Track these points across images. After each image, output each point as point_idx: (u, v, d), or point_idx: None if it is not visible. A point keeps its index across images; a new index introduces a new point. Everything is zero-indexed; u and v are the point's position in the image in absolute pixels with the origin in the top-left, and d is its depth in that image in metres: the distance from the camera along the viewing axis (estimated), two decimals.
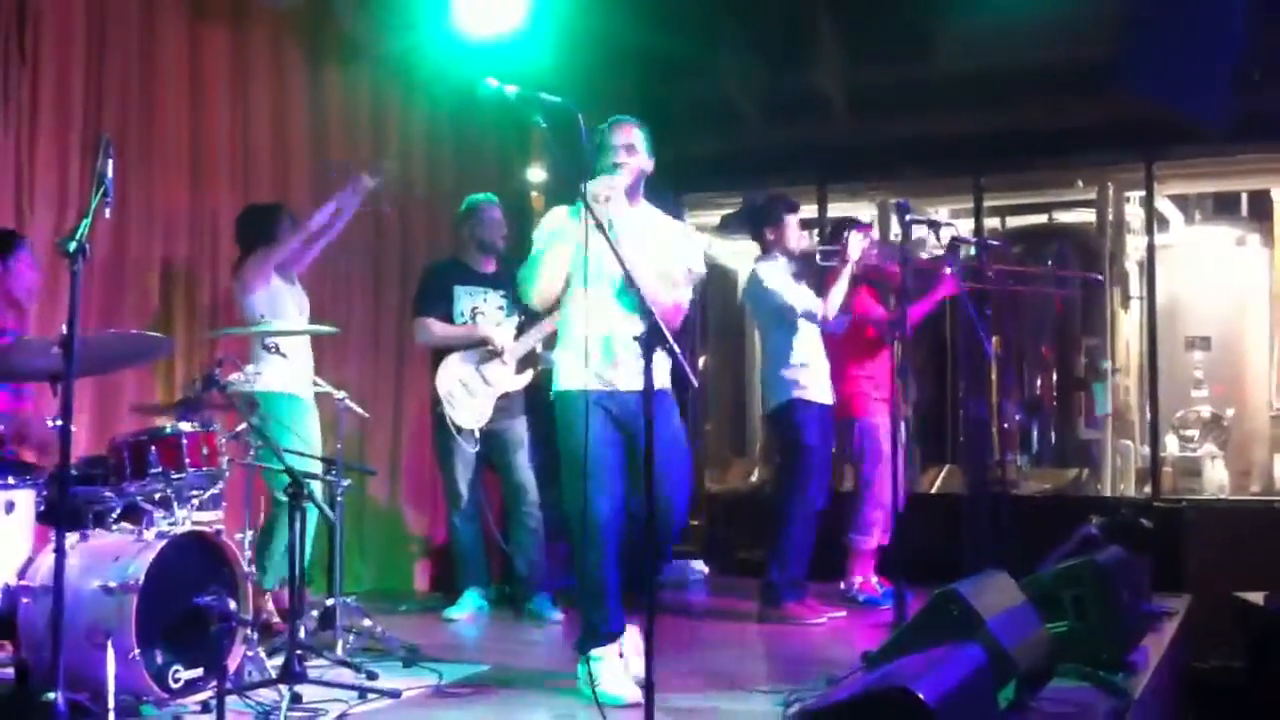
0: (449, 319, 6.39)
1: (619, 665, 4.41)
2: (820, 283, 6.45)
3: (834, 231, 6.97)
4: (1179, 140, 8.16)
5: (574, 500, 4.44)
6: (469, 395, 6.33)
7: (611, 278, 4.46)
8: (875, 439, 6.66)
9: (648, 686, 3.43)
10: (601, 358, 4.51)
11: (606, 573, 4.45)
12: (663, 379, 4.54)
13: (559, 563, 6.66)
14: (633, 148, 4.62)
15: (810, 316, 6.27)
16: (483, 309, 6.43)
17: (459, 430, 6.34)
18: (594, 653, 4.43)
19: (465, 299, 6.42)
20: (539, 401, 6.82)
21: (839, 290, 6.28)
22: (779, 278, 6.36)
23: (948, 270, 6.41)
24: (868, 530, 6.67)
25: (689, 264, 4.69)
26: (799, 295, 6.30)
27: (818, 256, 6.59)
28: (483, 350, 6.36)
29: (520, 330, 6.42)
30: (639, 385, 4.30)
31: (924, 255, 6.76)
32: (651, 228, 4.70)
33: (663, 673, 4.20)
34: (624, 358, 4.48)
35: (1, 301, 4.93)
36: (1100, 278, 8.24)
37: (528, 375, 6.48)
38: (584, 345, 4.47)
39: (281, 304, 5.81)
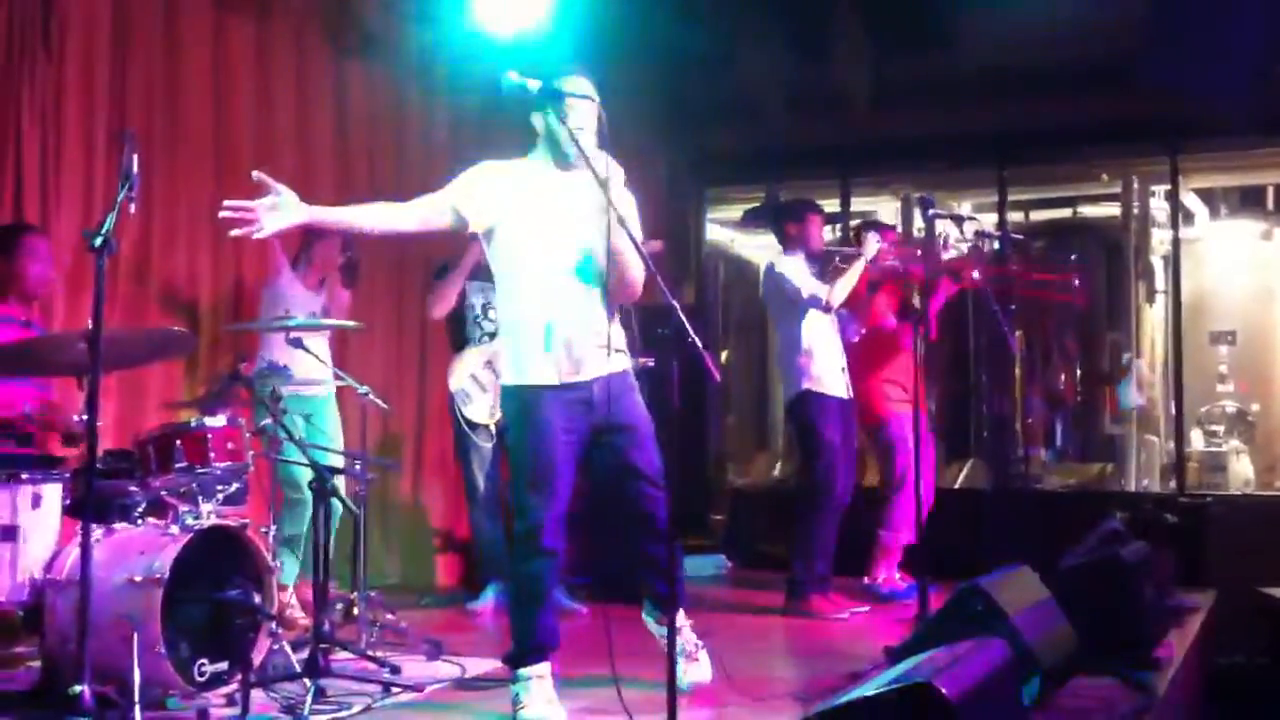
0: (459, 313, 6.40)
1: (547, 687, 4.10)
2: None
3: (854, 233, 6.99)
4: (1204, 134, 8.13)
5: (517, 504, 4.11)
6: (482, 390, 6.35)
7: (570, 253, 4.05)
8: (904, 438, 6.64)
9: (670, 682, 3.43)
10: (559, 346, 4.04)
11: (539, 584, 4.10)
12: (621, 360, 4.14)
13: (575, 556, 6.66)
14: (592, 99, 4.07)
15: (814, 302, 6.27)
16: (494, 303, 6.43)
17: (473, 426, 6.35)
18: (522, 671, 4.10)
19: (476, 294, 6.43)
20: None
21: (847, 280, 6.26)
22: (793, 270, 6.37)
23: (975, 274, 6.40)
24: (898, 528, 6.65)
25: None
26: (807, 282, 6.31)
27: (837, 258, 6.59)
28: (493, 346, 6.36)
29: None
30: (602, 371, 4.08)
31: (948, 255, 6.71)
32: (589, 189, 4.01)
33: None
34: (584, 344, 4.07)
35: (13, 296, 4.93)
36: (1076, 282, 7.73)
37: None
38: (539, 332, 4.04)
39: (295, 303, 5.83)
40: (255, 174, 3.71)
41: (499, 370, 6.32)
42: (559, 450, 4.04)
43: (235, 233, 3.65)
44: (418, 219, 4.06)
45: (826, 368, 6.36)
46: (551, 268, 4.06)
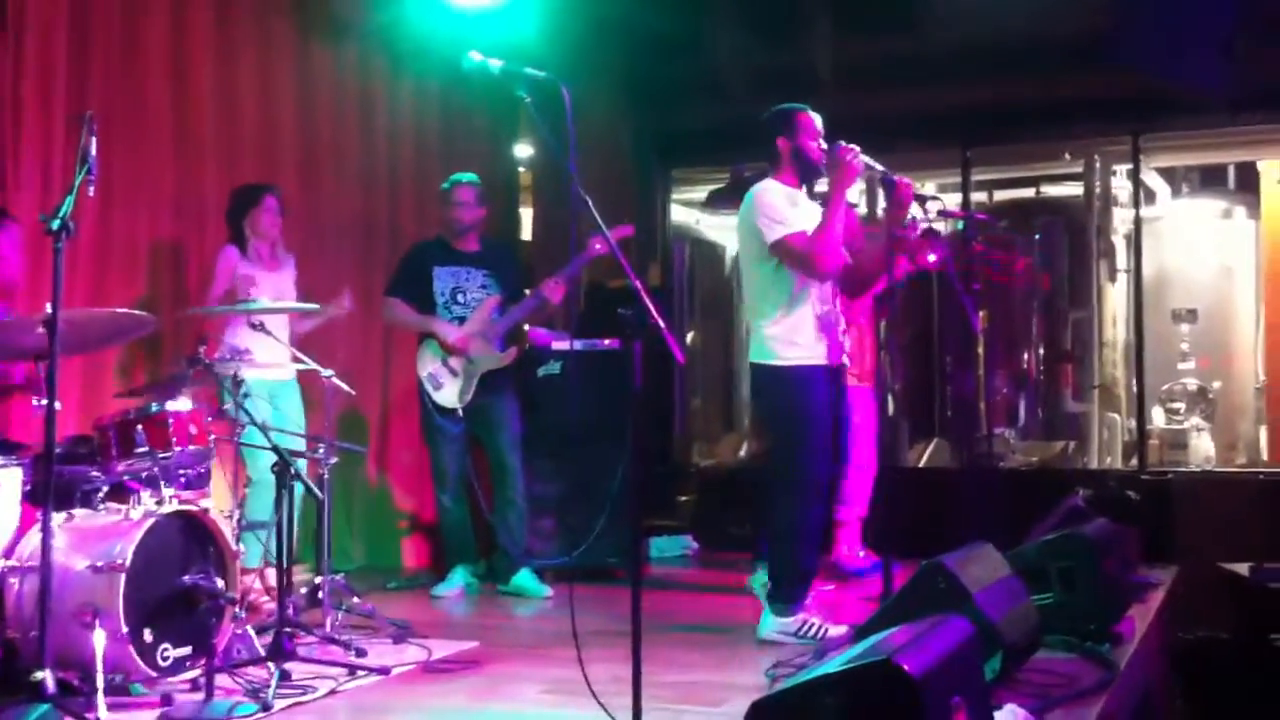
0: (428, 299, 6.38)
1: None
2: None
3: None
4: (1166, 113, 8.16)
5: (804, 458, 4.99)
6: (452, 375, 6.33)
7: None
8: (852, 411, 6.63)
9: (635, 660, 3.43)
10: (819, 336, 5.03)
11: (814, 528, 5.08)
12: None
13: (544, 539, 6.67)
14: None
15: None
16: (464, 288, 6.42)
17: (443, 411, 6.33)
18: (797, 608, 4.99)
19: (447, 279, 6.41)
20: (526, 378, 6.82)
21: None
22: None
23: (931, 257, 6.33)
24: (850, 501, 6.67)
25: None
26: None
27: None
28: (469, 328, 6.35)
29: (503, 308, 6.42)
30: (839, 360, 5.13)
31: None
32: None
33: (651, 646, 4.22)
34: (832, 337, 5.08)
35: None
36: (1021, 267, 7.94)
37: (512, 353, 6.47)
38: (809, 323, 5.01)
39: (258, 288, 5.79)
40: None
41: (473, 357, 6.33)
42: (828, 419, 4.96)
43: None
44: None
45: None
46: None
